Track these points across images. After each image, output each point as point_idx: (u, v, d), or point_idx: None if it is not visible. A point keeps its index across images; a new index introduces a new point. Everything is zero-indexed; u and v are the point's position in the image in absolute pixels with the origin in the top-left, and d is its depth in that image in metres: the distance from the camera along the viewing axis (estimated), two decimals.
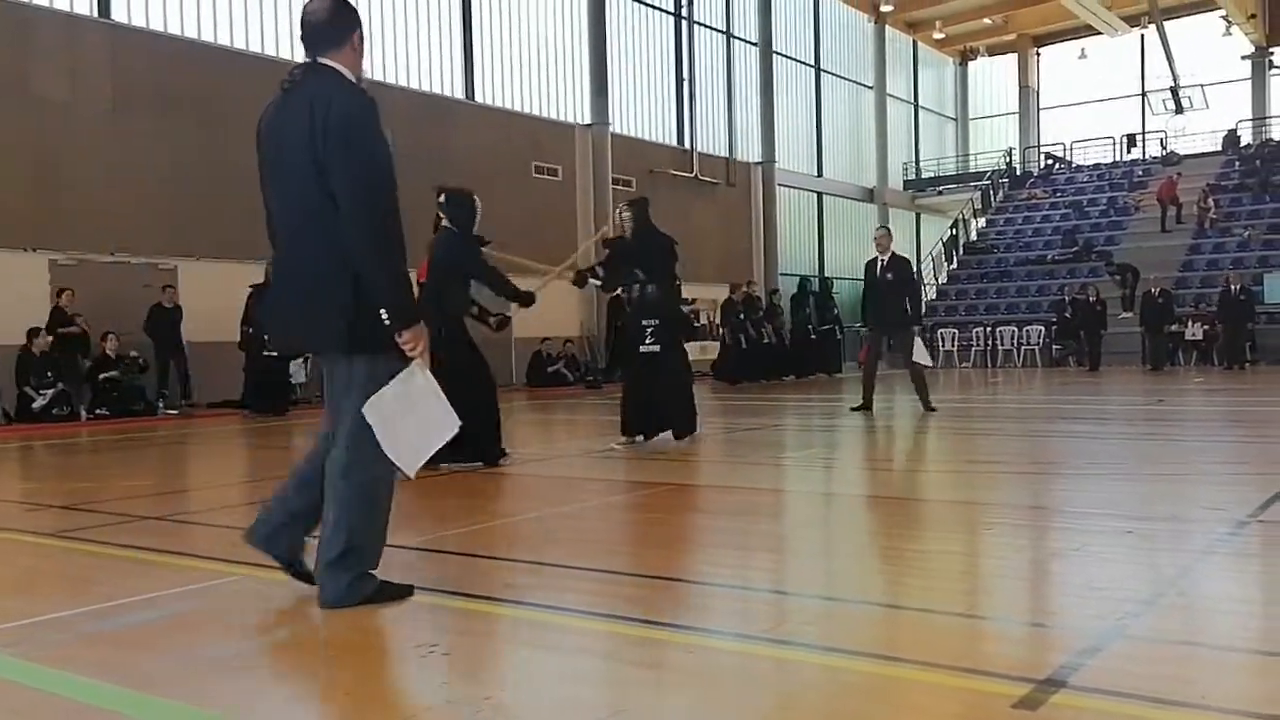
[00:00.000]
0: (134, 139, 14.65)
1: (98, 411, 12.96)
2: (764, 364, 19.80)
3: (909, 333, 11.04)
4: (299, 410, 14.55)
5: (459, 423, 3.39)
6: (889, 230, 11.64)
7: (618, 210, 8.72)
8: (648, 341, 8.11)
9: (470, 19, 20.19)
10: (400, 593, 3.43)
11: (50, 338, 12.86)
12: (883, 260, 11.02)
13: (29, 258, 13.55)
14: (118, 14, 14.95)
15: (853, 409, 11.17)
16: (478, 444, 6.84)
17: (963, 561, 4.17)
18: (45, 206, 13.72)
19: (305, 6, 3.38)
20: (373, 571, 3.39)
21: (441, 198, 7.10)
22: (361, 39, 3.42)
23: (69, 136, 14.02)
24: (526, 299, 7.29)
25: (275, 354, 13.39)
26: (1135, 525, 4.62)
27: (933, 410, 10.73)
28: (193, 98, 15.33)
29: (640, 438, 8.29)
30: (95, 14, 14.71)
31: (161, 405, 13.78)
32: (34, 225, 13.60)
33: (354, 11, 3.44)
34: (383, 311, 3.20)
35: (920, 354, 10.96)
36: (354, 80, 3.37)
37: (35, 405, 12.51)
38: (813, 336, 21.65)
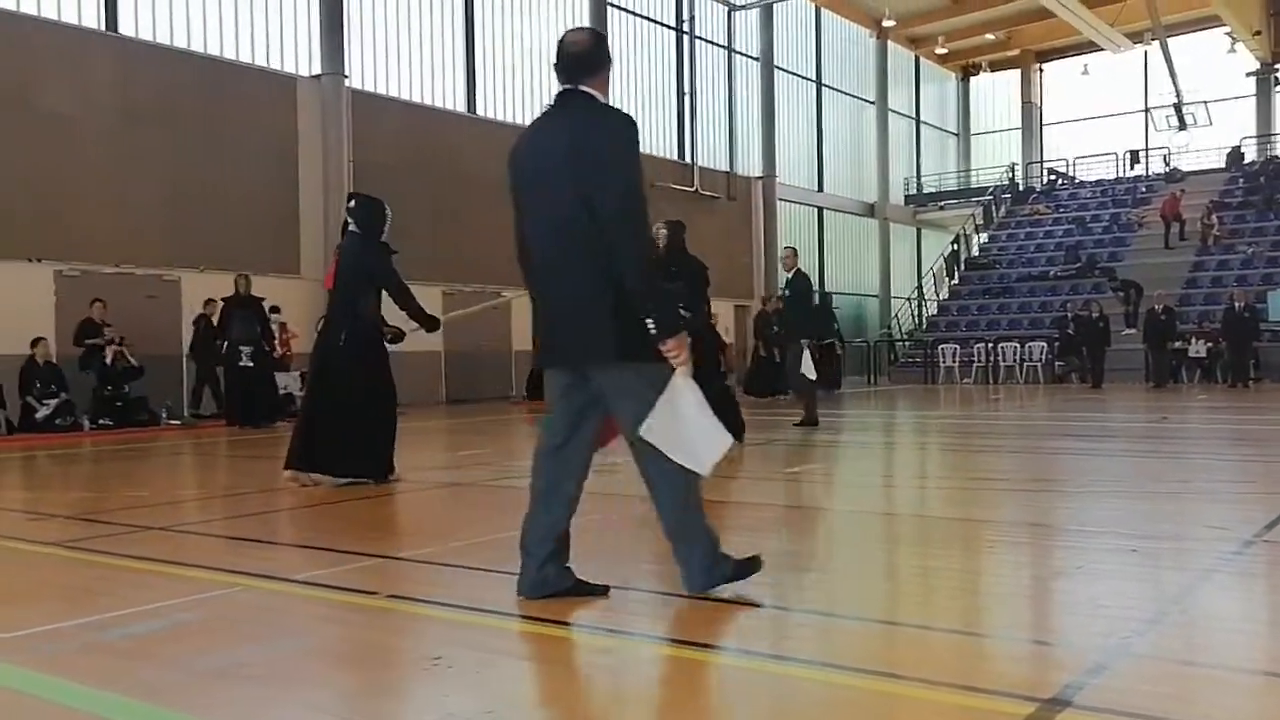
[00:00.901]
0: (138, 152, 14.70)
1: (101, 422, 12.96)
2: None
3: (799, 346, 11.25)
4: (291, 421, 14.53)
5: (730, 437, 3.50)
6: (794, 250, 12.00)
7: (654, 228, 8.84)
8: None
9: (472, 32, 20.27)
10: (749, 568, 3.61)
11: (81, 348, 12.95)
12: (787, 278, 11.60)
13: (34, 268, 13.59)
14: (125, 28, 15.01)
15: (794, 424, 11.36)
16: (374, 458, 6.81)
17: (964, 579, 4.16)
18: (50, 218, 13.76)
19: (566, 37, 3.58)
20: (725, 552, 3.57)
21: (351, 202, 7.13)
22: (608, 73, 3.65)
23: (75, 149, 14.07)
24: (430, 323, 7.30)
25: (252, 365, 13.42)
26: (1139, 544, 4.62)
27: (815, 425, 10.99)
28: (197, 111, 15.40)
29: None
30: (102, 28, 14.77)
31: (164, 416, 13.78)
32: (39, 236, 13.64)
33: (608, 46, 3.69)
34: (649, 322, 3.33)
35: (807, 367, 11.21)
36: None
37: (39, 415, 12.52)
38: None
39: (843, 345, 22.95)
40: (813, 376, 11.32)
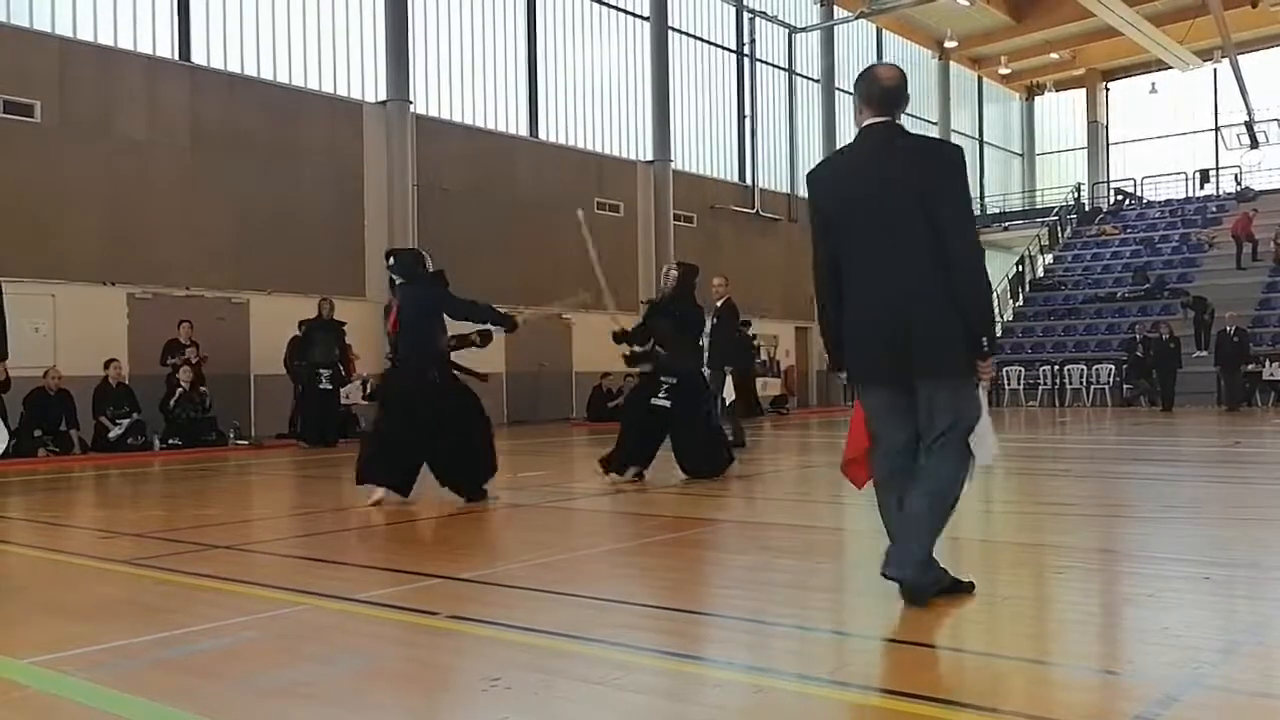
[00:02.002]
0: (209, 177, 15.08)
1: (171, 442, 13.26)
2: None
3: (722, 374, 11.79)
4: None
5: (998, 448, 3.95)
6: (726, 279, 12.38)
7: (665, 269, 9.31)
8: (661, 396, 8.28)
9: (535, 58, 20.52)
10: (966, 588, 3.89)
11: (179, 373, 13.39)
12: (716, 306, 12.00)
13: (108, 291, 13.98)
14: (197, 57, 15.44)
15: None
16: (474, 479, 7.15)
17: (1032, 605, 4.08)
18: (124, 242, 14.16)
19: (879, 72, 3.86)
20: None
21: (390, 260, 7.59)
22: None
23: (147, 175, 14.48)
24: (508, 322, 7.67)
25: (330, 388, 13.72)
26: (1212, 571, 4.49)
27: (741, 446, 11.31)
28: (265, 137, 15.77)
29: (635, 470, 8.29)
30: (176, 57, 15.21)
31: (232, 436, 14.06)
32: (114, 260, 14.04)
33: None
34: (984, 339, 3.68)
35: (729, 392, 11.93)
36: None
37: (111, 435, 12.84)
38: None
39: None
40: (730, 397, 11.92)
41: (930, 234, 3.61)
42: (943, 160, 3.71)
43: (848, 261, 3.81)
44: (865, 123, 3.83)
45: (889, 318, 3.71)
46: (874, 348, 3.78)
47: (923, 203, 3.62)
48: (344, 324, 14.59)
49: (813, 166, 4.14)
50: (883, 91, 3.78)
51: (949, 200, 3.64)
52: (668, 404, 8.28)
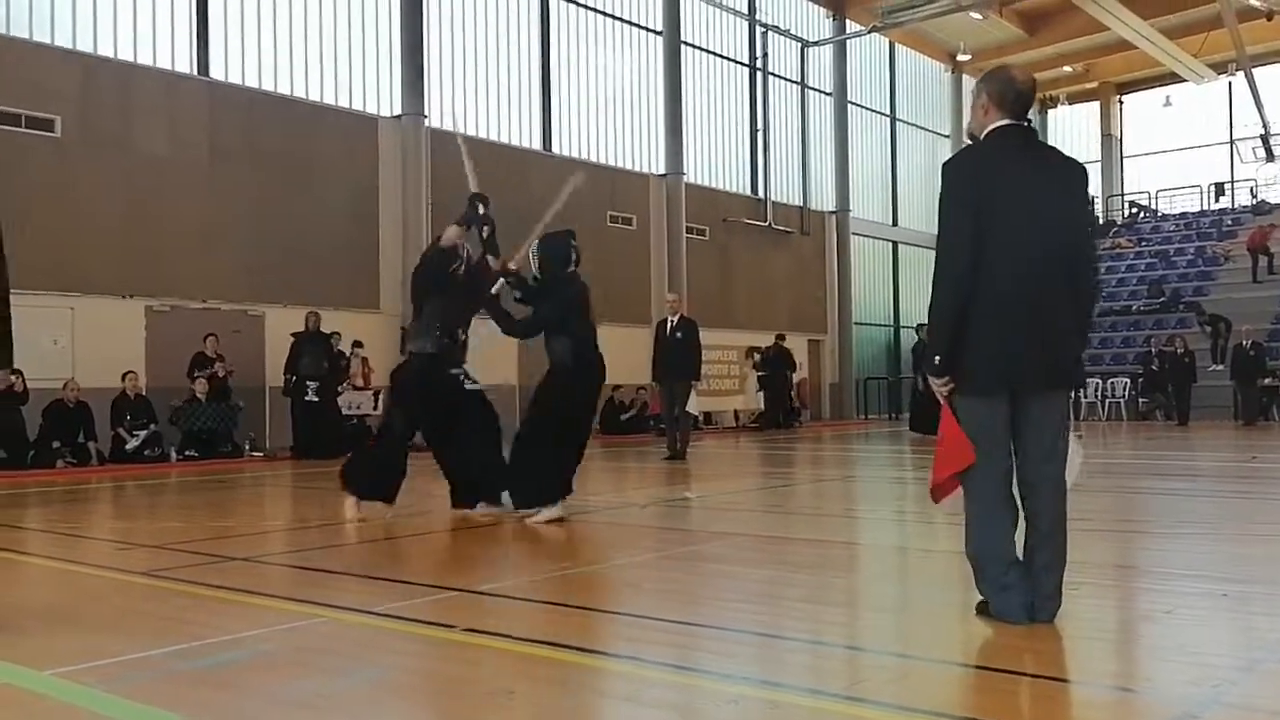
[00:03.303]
0: (226, 190, 15.17)
1: (187, 453, 13.32)
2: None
3: (688, 385, 12.47)
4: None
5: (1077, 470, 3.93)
6: (680, 296, 13.02)
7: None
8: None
9: (549, 72, 20.60)
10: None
11: (194, 384, 13.50)
12: (672, 321, 12.61)
13: (126, 304, 14.07)
14: (215, 71, 15.57)
15: (664, 459, 12.15)
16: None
17: (1048, 622, 4.06)
18: (142, 255, 14.25)
19: (1017, 75, 3.79)
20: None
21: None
22: None
23: (166, 188, 14.58)
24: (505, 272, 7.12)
25: (318, 400, 13.77)
26: (1230, 587, 4.47)
27: (681, 460, 11.80)
28: (282, 150, 15.86)
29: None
30: (194, 72, 15.33)
31: (248, 448, 14.12)
32: (131, 273, 14.13)
33: None
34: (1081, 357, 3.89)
35: (693, 405, 12.55)
36: None
37: (128, 446, 12.91)
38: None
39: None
40: (696, 413, 12.41)
41: (1074, 241, 3.74)
42: (1085, 180, 3.95)
43: (989, 266, 3.63)
44: (997, 124, 3.74)
45: (1038, 321, 3.65)
46: (1013, 348, 3.65)
47: (1075, 218, 3.78)
48: (333, 335, 14.64)
49: (955, 158, 3.99)
50: (1026, 95, 3.76)
51: (1090, 218, 3.83)
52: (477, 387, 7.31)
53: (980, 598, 3.76)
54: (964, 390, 3.67)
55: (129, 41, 14.68)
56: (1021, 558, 3.71)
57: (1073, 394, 3.92)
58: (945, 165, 3.84)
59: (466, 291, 7.11)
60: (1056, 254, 3.64)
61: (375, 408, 15.50)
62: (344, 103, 17.19)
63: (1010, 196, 3.63)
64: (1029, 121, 3.77)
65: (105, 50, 14.42)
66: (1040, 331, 3.62)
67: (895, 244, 30.42)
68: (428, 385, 6.88)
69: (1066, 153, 3.95)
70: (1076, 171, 3.82)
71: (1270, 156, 29.81)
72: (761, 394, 21.38)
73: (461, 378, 7.06)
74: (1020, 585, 3.66)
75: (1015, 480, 3.72)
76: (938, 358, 3.66)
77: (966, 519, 3.72)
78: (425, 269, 7.11)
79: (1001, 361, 3.62)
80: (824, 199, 27.23)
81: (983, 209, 3.61)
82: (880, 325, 29.36)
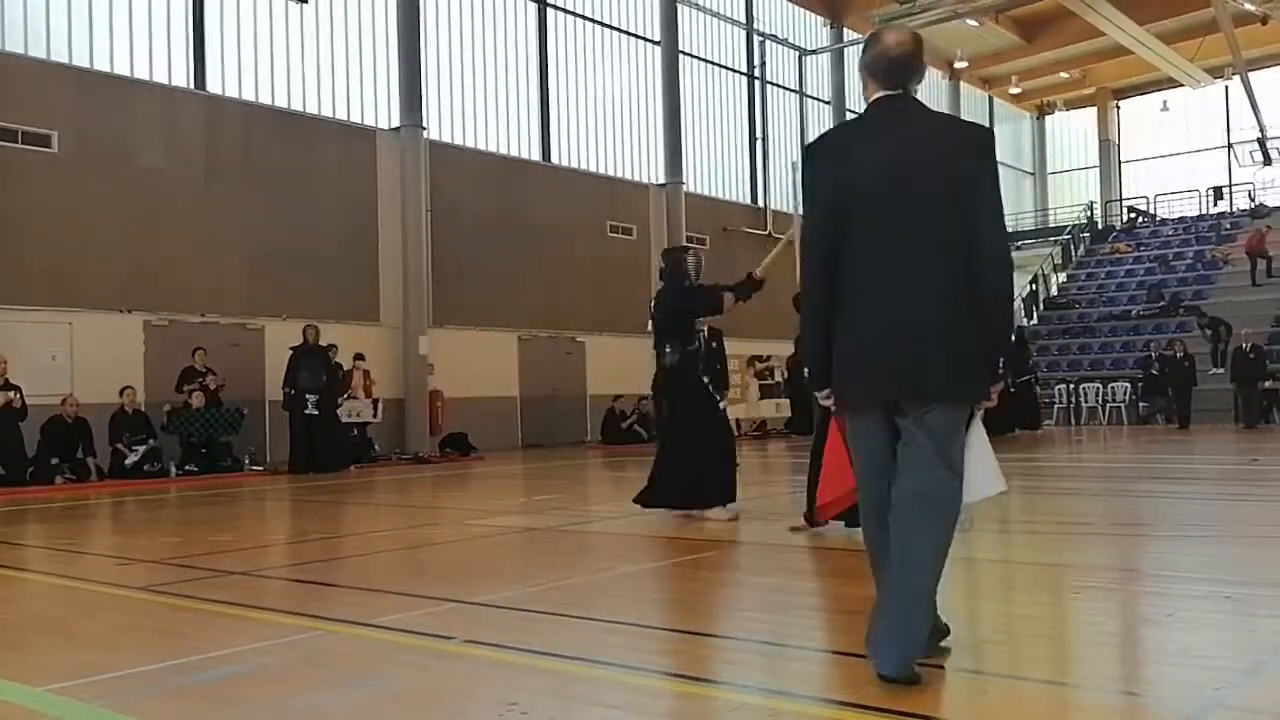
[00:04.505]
0: (224, 204, 15.19)
1: (187, 468, 13.30)
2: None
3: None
4: (377, 466, 14.75)
5: (1005, 483, 3.28)
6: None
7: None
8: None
9: (547, 82, 20.64)
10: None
11: (190, 397, 13.47)
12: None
13: (124, 319, 14.07)
14: (212, 85, 15.59)
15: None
16: (718, 488, 7.14)
17: (1050, 626, 4.05)
18: (140, 270, 14.25)
19: (887, 38, 3.26)
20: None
21: (662, 262, 7.85)
22: None
23: (164, 203, 14.59)
24: (754, 284, 7.68)
25: (317, 413, 13.74)
26: (1233, 590, 4.45)
27: None
28: (280, 164, 15.89)
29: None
30: (191, 86, 15.36)
31: (248, 462, 14.10)
32: (130, 287, 14.13)
33: None
34: (1001, 359, 3.20)
35: None
36: None
37: (128, 462, 12.89)
38: (1010, 389, 18.56)
39: (1038, 381, 21.64)
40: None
41: (964, 232, 3.06)
42: (982, 149, 3.15)
43: (853, 258, 3.12)
44: (873, 97, 3.25)
45: (902, 321, 3.07)
46: (865, 357, 3.13)
47: (963, 198, 3.07)
48: (331, 348, 14.64)
49: (815, 140, 3.40)
50: (894, 60, 3.20)
51: (991, 198, 3.10)
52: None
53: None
54: (838, 406, 3.24)
55: (126, 56, 14.72)
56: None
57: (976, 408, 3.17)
58: (804, 148, 3.35)
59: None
60: (938, 242, 3.04)
61: (375, 416, 15.50)
62: (341, 115, 17.22)
63: (877, 178, 3.09)
64: (913, 90, 3.23)
65: (102, 65, 14.46)
66: (905, 336, 3.04)
67: None
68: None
69: (977, 123, 3.36)
70: (972, 142, 3.16)
71: (1267, 160, 29.84)
72: (788, 401, 21.05)
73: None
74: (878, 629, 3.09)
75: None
76: (807, 370, 3.19)
77: None
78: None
79: (870, 371, 3.09)
80: None
81: (842, 196, 3.13)
82: None
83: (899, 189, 3.08)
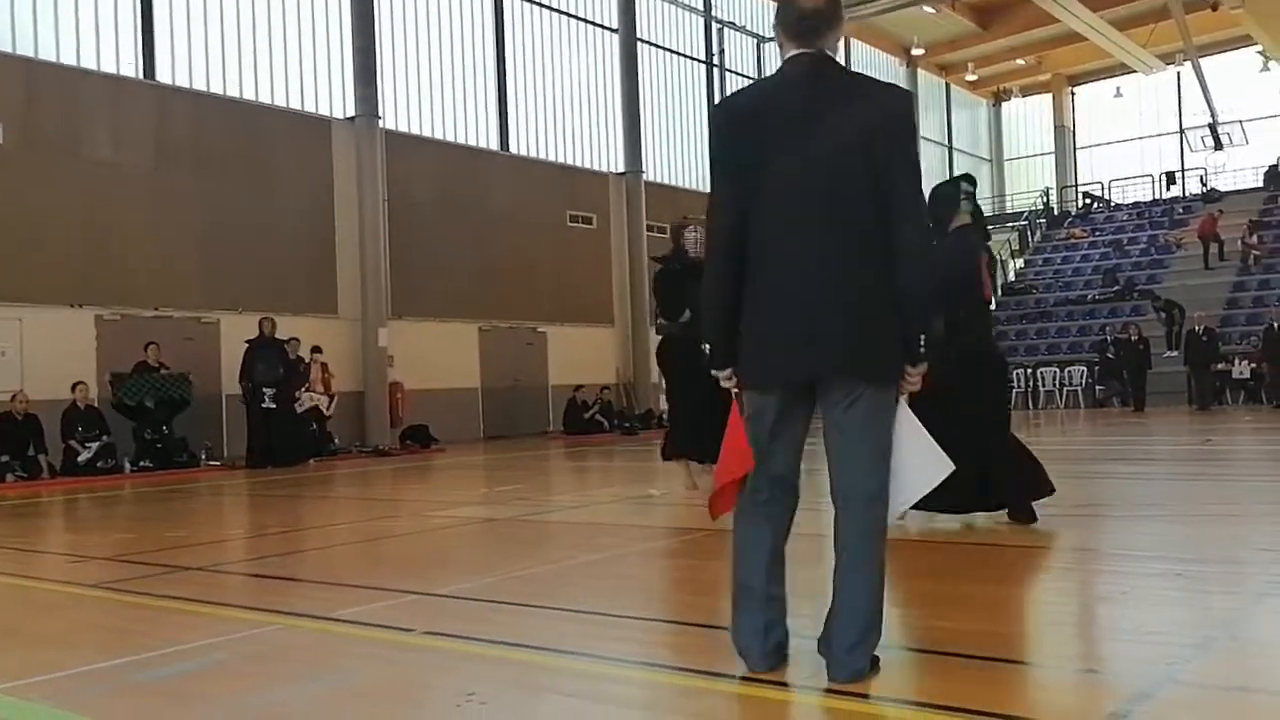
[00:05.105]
0: (176, 196, 14.95)
1: (142, 464, 13.11)
2: None
3: None
4: (337, 460, 14.64)
5: (951, 465, 3.07)
6: None
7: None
8: None
9: (504, 71, 20.51)
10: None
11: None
12: None
13: (75, 314, 13.82)
14: (162, 75, 15.33)
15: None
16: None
17: (1008, 606, 4.09)
18: (91, 263, 14.01)
19: None
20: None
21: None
22: None
23: (115, 195, 14.34)
24: None
25: (274, 406, 13.59)
26: (1185, 568, 4.52)
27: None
28: (233, 155, 15.66)
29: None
30: (141, 75, 15.09)
31: (204, 457, 13.92)
32: (81, 282, 13.88)
33: None
34: (922, 338, 2.99)
35: None
36: None
37: (80, 459, 12.68)
38: None
39: None
40: None
41: (878, 201, 2.88)
42: (900, 114, 2.95)
43: (759, 229, 2.94)
44: (787, 56, 3.00)
45: (810, 293, 2.89)
46: (777, 332, 2.95)
47: (879, 164, 2.87)
48: (288, 341, 14.45)
49: (723, 102, 3.13)
50: (806, 16, 2.96)
51: (908, 165, 2.92)
52: None
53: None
54: (739, 384, 3.04)
55: (72, 45, 14.42)
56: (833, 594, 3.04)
57: (898, 389, 2.99)
58: (712, 110, 3.09)
59: None
60: (853, 216, 2.87)
61: (327, 410, 15.35)
62: (295, 105, 17.00)
63: (785, 142, 2.90)
64: (829, 49, 3.00)
65: (48, 55, 14.16)
66: (814, 310, 2.88)
67: None
68: None
69: (890, 92, 3.01)
70: (894, 113, 2.94)
71: (1218, 145, 30.32)
72: None
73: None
74: (759, 621, 3.02)
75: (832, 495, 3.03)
76: (708, 347, 2.99)
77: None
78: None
79: (783, 350, 2.92)
80: None
81: (749, 159, 2.94)
82: None
83: (814, 159, 2.89)
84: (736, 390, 3.04)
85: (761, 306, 2.94)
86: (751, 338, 2.96)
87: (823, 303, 2.87)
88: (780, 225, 2.91)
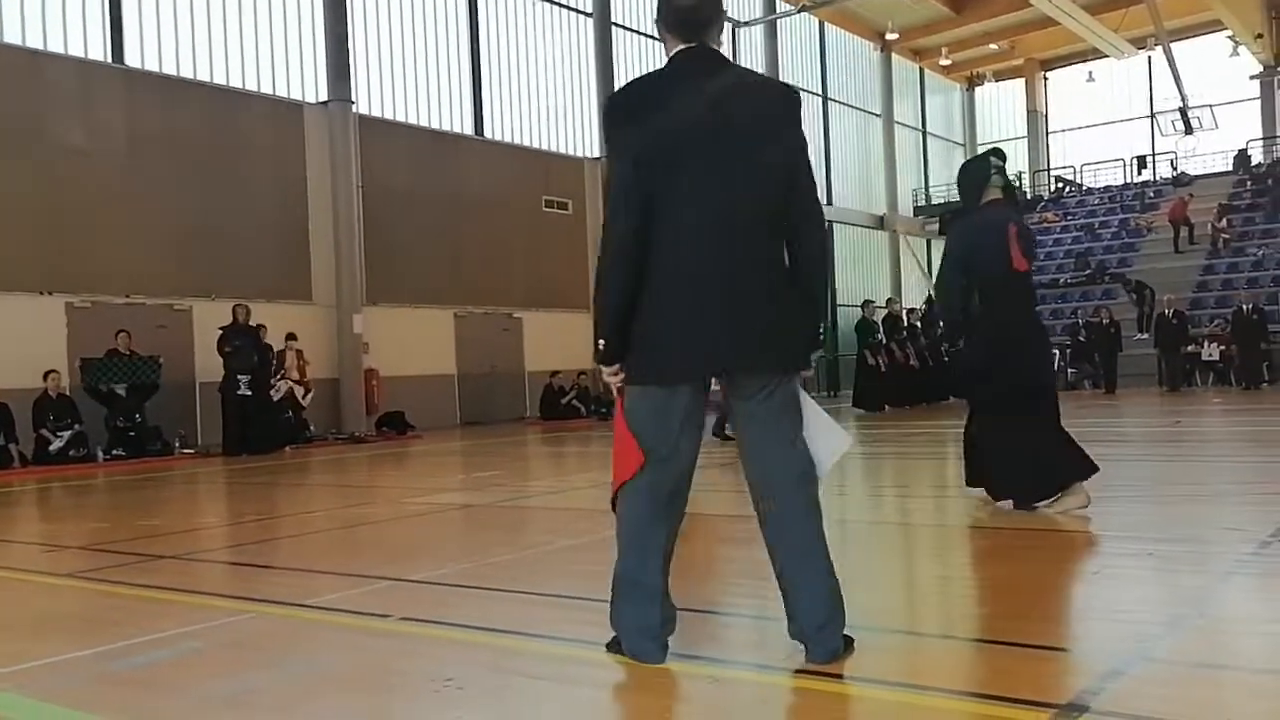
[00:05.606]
0: (147, 182, 14.79)
1: (115, 452, 13.00)
2: (905, 388, 18.11)
3: None
4: (312, 447, 14.57)
5: (850, 439, 3.15)
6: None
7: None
8: None
9: (478, 56, 20.39)
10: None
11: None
12: None
13: (45, 301, 13.67)
14: (131, 59, 15.14)
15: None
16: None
17: (982, 587, 4.13)
18: (61, 250, 13.85)
19: None
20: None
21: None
22: None
23: (84, 181, 14.17)
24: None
25: (250, 394, 13.50)
26: (1155, 547, 4.57)
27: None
28: (204, 140, 15.50)
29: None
30: (109, 59, 14.90)
31: (178, 445, 13.83)
32: (50, 269, 13.73)
33: None
34: (821, 326, 3.06)
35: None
36: None
37: (53, 448, 12.57)
38: (945, 358, 18.38)
39: None
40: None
41: (780, 193, 2.92)
42: (795, 109, 3.00)
43: (669, 225, 2.90)
44: (672, 51, 3.00)
45: (717, 288, 2.88)
46: (684, 329, 2.91)
47: (784, 158, 2.93)
48: (261, 328, 14.34)
49: (620, 92, 3.04)
50: (691, 11, 2.96)
51: (805, 157, 2.97)
52: None
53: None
54: (631, 380, 2.99)
55: (38, 28, 14.21)
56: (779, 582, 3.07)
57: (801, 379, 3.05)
58: (608, 100, 3.05)
59: None
60: (755, 208, 2.89)
61: (303, 401, 15.27)
62: (267, 89, 16.84)
63: (680, 138, 2.88)
64: (713, 42, 3.00)
65: (13, 38, 13.95)
66: (741, 302, 2.88)
67: (831, 223, 30.65)
68: None
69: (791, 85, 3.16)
70: (779, 102, 2.99)
71: (1189, 129, 30.56)
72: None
73: None
74: (654, 619, 3.04)
75: (750, 488, 3.10)
76: (601, 342, 2.98)
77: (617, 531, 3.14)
78: None
79: (687, 344, 2.90)
80: None
81: (647, 156, 2.89)
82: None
83: (714, 151, 2.88)
84: (620, 387, 3.03)
85: (674, 302, 2.90)
86: (662, 333, 2.91)
87: (737, 296, 2.88)
88: (691, 220, 2.89)
